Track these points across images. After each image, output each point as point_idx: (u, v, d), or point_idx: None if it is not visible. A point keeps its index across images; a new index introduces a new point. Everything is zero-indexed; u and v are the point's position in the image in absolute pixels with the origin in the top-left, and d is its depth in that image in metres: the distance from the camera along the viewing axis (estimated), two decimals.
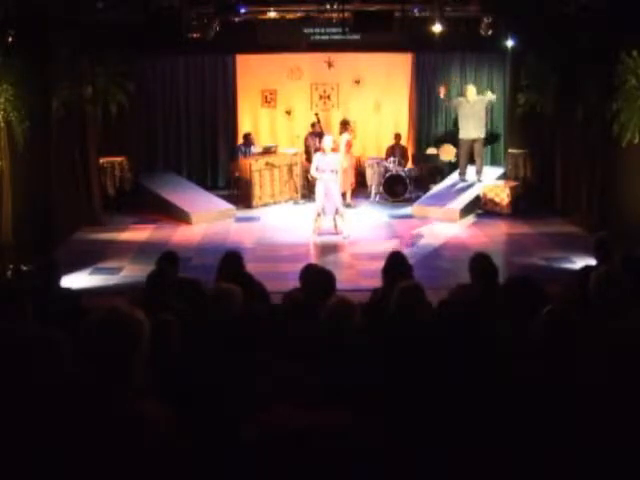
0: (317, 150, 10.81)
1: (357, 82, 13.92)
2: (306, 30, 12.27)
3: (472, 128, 11.90)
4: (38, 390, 2.27)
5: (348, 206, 11.92)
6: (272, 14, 11.47)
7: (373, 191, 12.75)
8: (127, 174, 11.94)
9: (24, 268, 7.10)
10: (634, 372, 2.82)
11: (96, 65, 10.69)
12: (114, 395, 2.19)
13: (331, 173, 9.84)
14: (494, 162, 13.40)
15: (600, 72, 9.47)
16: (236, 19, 11.32)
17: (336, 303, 3.26)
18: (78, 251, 9.41)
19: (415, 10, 11.20)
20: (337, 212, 10.04)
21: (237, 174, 12.48)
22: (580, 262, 8.00)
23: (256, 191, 12.17)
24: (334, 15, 11.22)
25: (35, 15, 8.50)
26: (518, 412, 2.70)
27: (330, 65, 13.65)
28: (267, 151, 12.60)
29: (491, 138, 13.24)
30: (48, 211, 9.33)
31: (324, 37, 12.48)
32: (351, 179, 12.64)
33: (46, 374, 2.34)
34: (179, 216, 11.22)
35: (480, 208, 11.56)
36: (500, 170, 12.63)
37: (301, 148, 12.79)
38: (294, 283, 4.85)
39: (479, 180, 12.05)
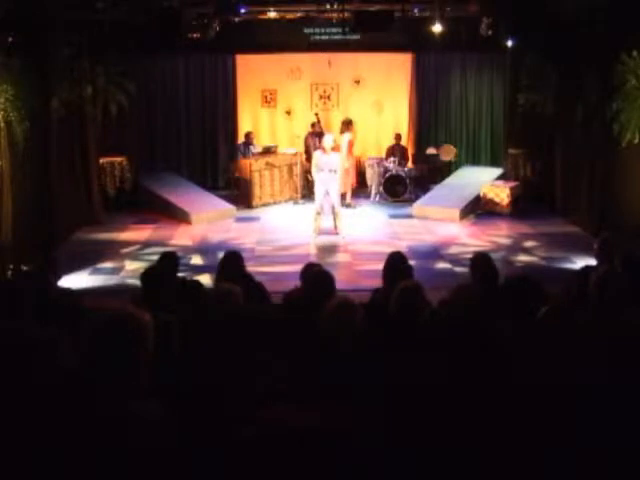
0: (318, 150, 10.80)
1: (357, 82, 13.92)
2: (306, 30, 12.29)
3: None
4: (37, 390, 2.28)
5: (348, 206, 11.94)
6: (272, 14, 11.48)
7: (373, 191, 12.75)
8: (127, 174, 11.94)
9: (24, 268, 7.09)
10: (634, 371, 2.82)
11: (96, 65, 10.69)
12: (115, 395, 2.20)
13: (329, 172, 9.83)
14: (494, 162, 13.40)
15: (600, 72, 9.47)
16: (236, 19, 11.33)
17: (338, 303, 3.26)
18: (78, 251, 9.41)
19: (415, 10, 11.23)
20: (333, 211, 10.05)
21: (237, 174, 12.48)
22: (580, 262, 8.01)
23: (256, 191, 12.17)
24: (334, 15, 11.24)
25: (35, 15, 8.50)
26: (518, 412, 2.70)
27: (330, 65, 13.65)
28: (267, 151, 12.60)
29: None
30: (48, 211, 9.33)
31: (324, 37, 12.50)
32: (352, 179, 12.66)
33: (46, 374, 2.35)
34: (179, 216, 11.22)
35: (480, 208, 11.56)
36: (500, 170, 12.63)
37: (301, 148, 12.79)
38: (294, 283, 4.85)
39: None
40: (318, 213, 10.02)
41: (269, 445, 2.39)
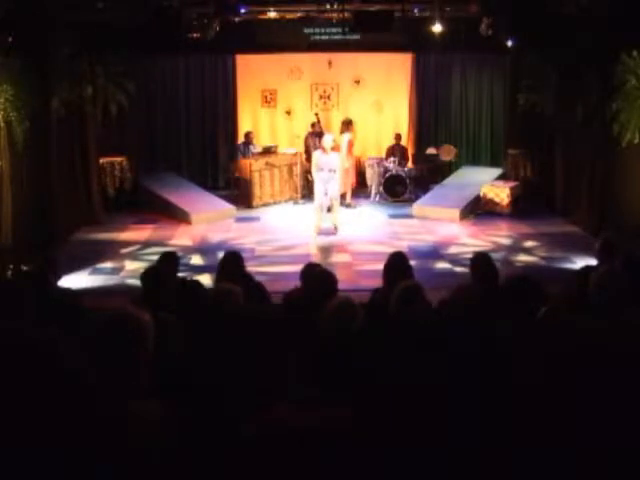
0: (317, 149, 10.81)
1: (357, 82, 13.93)
2: (306, 30, 12.29)
3: None
4: (37, 390, 2.28)
5: (348, 206, 11.94)
6: (272, 14, 11.48)
7: (373, 191, 12.75)
8: (127, 174, 11.94)
9: (24, 268, 7.09)
10: (634, 371, 2.82)
11: (96, 65, 10.69)
12: (115, 395, 2.20)
13: (329, 172, 9.84)
14: (494, 162, 13.39)
15: (600, 72, 9.47)
16: (236, 19, 11.32)
17: (338, 303, 3.26)
18: (78, 251, 9.40)
19: (415, 10, 11.22)
20: (332, 209, 10.07)
21: (237, 174, 12.48)
22: (580, 262, 8.01)
23: (256, 191, 12.17)
24: (334, 15, 11.23)
25: (35, 15, 8.50)
26: (518, 412, 2.70)
27: (330, 65, 13.65)
28: (267, 151, 12.60)
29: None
30: (48, 211, 9.33)
31: (324, 37, 12.50)
32: (352, 179, 12.66)
33: (46, 374, 2.35)
34: (179, 216, 11.22)
35: (480, 208, 11.56)
36: (500, 170, 12.63)
37: (301, 148, 12.79)
38: (294, 283, 4.86)
39: None
40: (319, 210, 10.04)
41: (269, 445, 2.39)
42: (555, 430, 2.63)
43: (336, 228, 10.23)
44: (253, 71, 13.69)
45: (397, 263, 4.88)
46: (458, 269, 8.41)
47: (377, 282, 5.02)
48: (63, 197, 9.83)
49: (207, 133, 13.68)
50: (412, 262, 5.40)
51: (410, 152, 13.53)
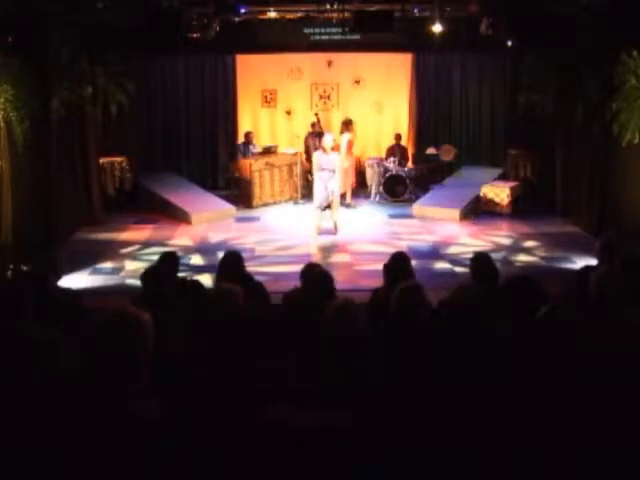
0: (318, 150, 10.79)
1: (357, 82, 13.93)
2: (306, 30, 12.29)
3: None
4: (37, 390, 2.28)
5: (348, 206, 11.94)
6: (272, 14, 11.47)
7: (373, 191, 12.75)
8: (127, 174, 11.95)
9: (24, 268, 7.09)
10: (633, 371, 2.82)
11: (96, 65, 10.69)
12: (114, 395, 2.20)
13: (330, 172, 9.83)
14: (494, 162, 13.39)
15: (600, 72, 9.47)
16: (236, 19, 11.31)
17: (340, 304, 3.26)
18: (78, 251, 9.40)
19: (415, 10, 11.20)
20: (332, 207, 10.07)
21: (237, 174, 12.48)
22: (580, 262, 8.02)
23: (256, 191, 12.17)
24: (334, 15, 11.22)
25: (35, 15, 8.50)
26: (518, 412, 2.70)
27: (330, 65, 13.65)
28: (267, 151, 12.60)
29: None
30: (48, 211, 9.33)
31: (324, 37, 12.51)
32: (352, 179, 12.66)
33: (46, 374, 2.35)
34: (179, 216, 11.22)
35: (480, 208, 11.56)
36: (500, 170, 12.63)
37: (301, 148, 12.79)
38: (294, 283, 4.85)
39: None
40: (320, 210, 10.03)
41: (269, 445, 2.39)
42: (555, 430, 2.63)
43: (336, 228, 10.24)
44: (253, 71, 13.70)
45: (398, 263, 4.87)
46: (458, 269, 8.42)
47: (377, 282, 5.02)
48: (63, 197, 9.83)
49: (207, 133, 13.68)
50: (412, 262, 5.40)
51: (410, 152, 13.52)
